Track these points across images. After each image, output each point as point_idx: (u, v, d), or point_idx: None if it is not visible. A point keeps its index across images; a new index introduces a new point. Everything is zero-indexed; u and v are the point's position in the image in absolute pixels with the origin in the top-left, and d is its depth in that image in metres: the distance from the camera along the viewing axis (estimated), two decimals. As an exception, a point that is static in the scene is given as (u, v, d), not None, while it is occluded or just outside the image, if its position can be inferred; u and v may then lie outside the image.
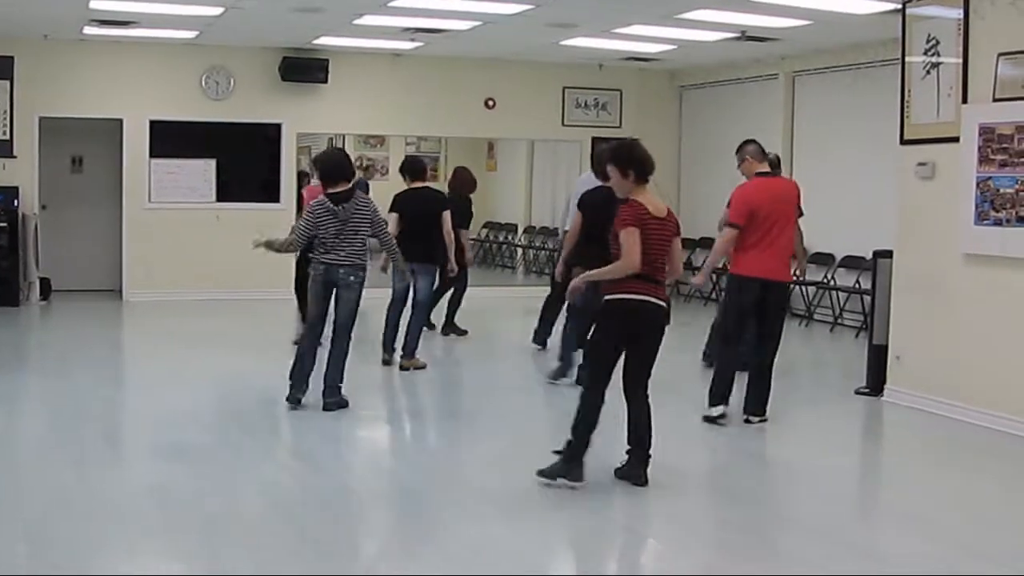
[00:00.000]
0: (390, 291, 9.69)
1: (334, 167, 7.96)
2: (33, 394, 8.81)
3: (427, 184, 9.76)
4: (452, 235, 9.67)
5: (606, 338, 6.18)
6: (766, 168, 7.95)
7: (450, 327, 11.40)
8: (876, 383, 8.81)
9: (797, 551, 5.38)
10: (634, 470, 6.22)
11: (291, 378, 7.97)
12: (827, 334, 12.38)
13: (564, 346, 9.14)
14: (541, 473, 6.17)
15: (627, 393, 6.26)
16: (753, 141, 8.12)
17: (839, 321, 12.58)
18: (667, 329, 6.20)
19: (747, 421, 7.81)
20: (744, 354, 7.97)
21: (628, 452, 6.27)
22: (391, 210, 9.46)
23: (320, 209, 7.80)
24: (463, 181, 11.64)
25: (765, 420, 7.82)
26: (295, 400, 7.93)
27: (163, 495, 5.97)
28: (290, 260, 14.77)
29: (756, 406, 7.85)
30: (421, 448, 7.77)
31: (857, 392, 8.89)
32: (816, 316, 13.00)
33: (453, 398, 9.18)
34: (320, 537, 5.47)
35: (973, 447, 7.53)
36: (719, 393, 7.79)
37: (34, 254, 13.29)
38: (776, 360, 7.92)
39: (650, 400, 6.27)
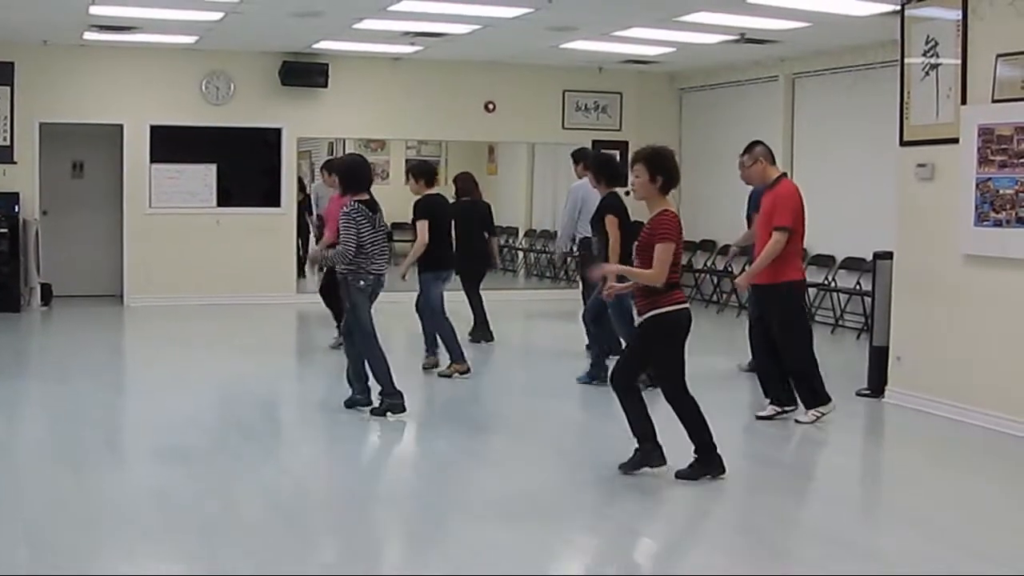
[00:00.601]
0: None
1: (361, 175, 7.91)
2: (34, 399, 8.81)
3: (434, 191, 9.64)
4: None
5: (674, 349, 6.32)
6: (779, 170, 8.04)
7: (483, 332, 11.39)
8: (877, 384, 8.80)
9: (797, 551, 5.38)
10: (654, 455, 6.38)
11: (387, 389, 7.87)
12: (828, 336, 12.37)
13: (596, 347, 9.16)
14: (681, 476, 6.33)
15: (632, 392, 6.39)
16: (762, 142, 8.12)
17: (840, 323, 12.58)
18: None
19: (782, 413, 8.02)
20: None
21: (637, 449, 6.39)
22: (421, 217, 9.25)
23: (359, 216, 7.67)
24: (473, 185, 11.43)
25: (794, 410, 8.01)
26: (401, 407, 7.86)
27: (163, 499, 5.97)
28: (292, 263, 14.78)
29: (788, 398, 8.01)
30: (422, 450, 7.76)
31: (858, 394, 8.88)
32: (817, 318, 12.98)
33: (455, 401, 9.16)
34: (319, 540, 5.47)
35: (974, 448, 7.53)
36: (820, 392, 7.91)
37: (35, 260, 13.30)
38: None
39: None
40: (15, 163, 13.29)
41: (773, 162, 8.01)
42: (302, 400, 8.94)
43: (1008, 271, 7.70)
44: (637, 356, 6.46)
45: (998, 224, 7.71)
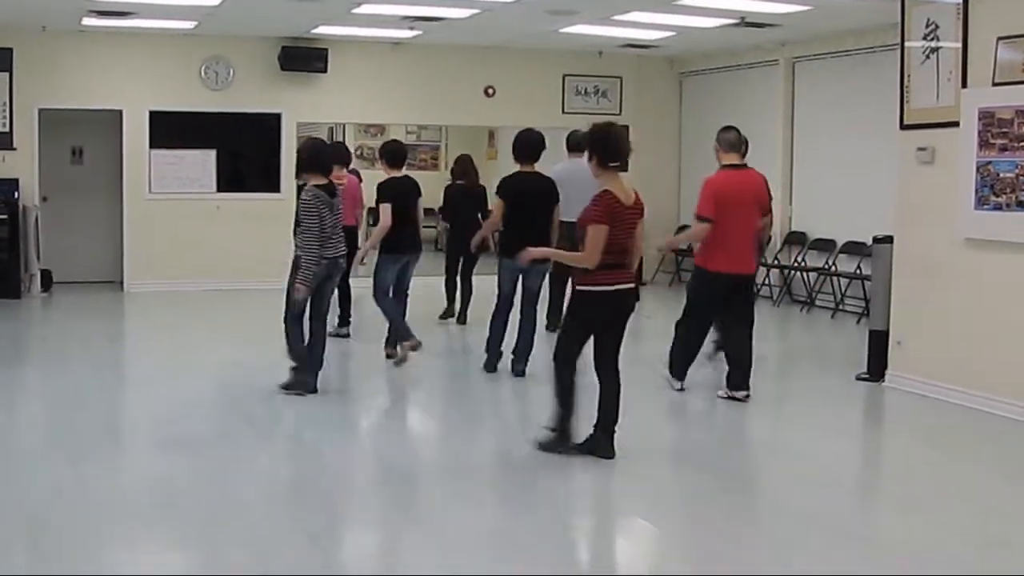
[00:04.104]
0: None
1: (320, 159, 8.06)
2: (34, 386, 8.83)
3: (402, 174, 9.48)
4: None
5: (580, 325, 6.44)
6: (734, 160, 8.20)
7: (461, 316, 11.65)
8: (877, 369, 8.80)
9: (796, 538, 5.38)
10: (600, 443, 6.44)
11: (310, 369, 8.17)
12: (828, 320, 12.38)
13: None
14: (541, 447, 6.53)
15: (598, 370, 6.50)
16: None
17: (840, 307, 12.57)
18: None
19: (731, 397, 8.10)
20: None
21: (595, 426, 6.49)
22: (382, 200, 9.16)
23: (319, 202, 7.81)
24: (467, 169, 11.86)
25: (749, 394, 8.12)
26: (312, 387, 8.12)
27: (163, 486, 5.98)
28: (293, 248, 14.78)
29: (741, 381, 8.13)
30: (418, 436, 7.78)
31: (858, 378, 8.89)
32: (817, 302, 12.99)
33: (452, 386, 9.18)
34: (317, 526, 5.47)
35: (974, 432, 7.53)
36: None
37: (35, 246, 13.29)
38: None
39: (620, 376, 6.49)
40: (14, 149, 13.27)
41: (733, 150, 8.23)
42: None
43: (1008, 255, 7.70)
44: (569, 329, 6.50)
45: (998, 208, 7.70)
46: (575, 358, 6.45)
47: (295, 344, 8.15)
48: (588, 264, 6.19)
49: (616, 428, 6.45)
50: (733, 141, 8.19)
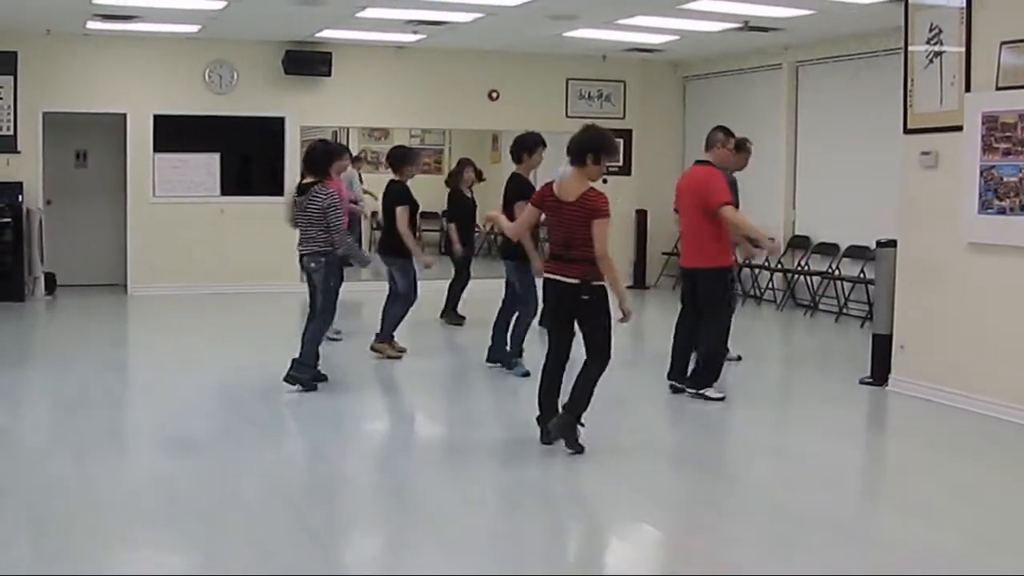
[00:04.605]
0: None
1: (307, 159, 8.53)
2: (37, 388, 8.83)
3: (394, 177, 9.76)
4: (406, 229, 9.55)
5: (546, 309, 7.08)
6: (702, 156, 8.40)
7: (450, 315, 11.63)
8: (880, 373, 8.79)
9: (799, 539, 5.37)
10: (556, 422, 6.59)
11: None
12: (832, 324, 12.36)
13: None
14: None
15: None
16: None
17: (844, 311, 12.56)
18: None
19: (679, 389, 8.24)
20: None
21: (563, 407, 6.62)
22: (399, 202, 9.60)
23: (290, 198, 8.52)
24: (456, 172, 12.01)
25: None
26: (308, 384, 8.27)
27: (165, 487, 5.99)
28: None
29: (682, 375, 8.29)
30: (419, 435, 7.78)
31: (861, 382, 8.87)
32: (821, 306, 12.98)
33: (452, 386, 9.19)
34: (318, 526, 5.48)
35: (978, 436, 7.52)
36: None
37: (39, 249, 13.32)
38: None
39: (595, 368, 6.56)
40: (19, 152, 13.29)
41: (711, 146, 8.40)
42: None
43: (1012, 259, 7.69)
44: None
45: (1002, 212, 7.69)
46: (551, 346, 6.80)
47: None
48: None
49: (576, 415, 6.52)
50: (712, 139, 8.39)
